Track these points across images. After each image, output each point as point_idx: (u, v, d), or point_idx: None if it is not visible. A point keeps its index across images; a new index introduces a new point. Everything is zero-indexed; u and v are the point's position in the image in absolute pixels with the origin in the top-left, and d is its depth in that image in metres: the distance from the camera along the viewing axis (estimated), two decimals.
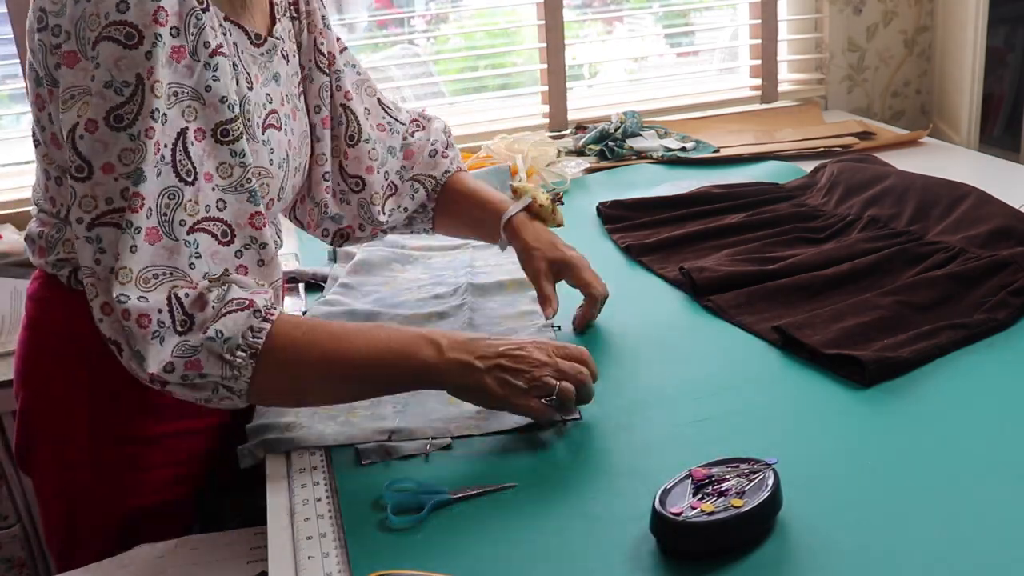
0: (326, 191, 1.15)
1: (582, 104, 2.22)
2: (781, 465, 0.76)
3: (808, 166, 1.67)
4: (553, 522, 0.78)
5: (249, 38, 0.99)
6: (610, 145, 1.92)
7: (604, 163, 1.88)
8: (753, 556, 0.71)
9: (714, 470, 0.76)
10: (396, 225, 1.23)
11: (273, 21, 1.05)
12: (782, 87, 2.31)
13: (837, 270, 1.20)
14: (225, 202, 0.89)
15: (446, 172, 1.22)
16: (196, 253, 0.86)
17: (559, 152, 1.83)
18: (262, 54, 1.01)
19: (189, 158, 0.86)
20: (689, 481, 0.75)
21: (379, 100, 1.22)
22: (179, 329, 0.84)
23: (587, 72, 2.37)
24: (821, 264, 1.22)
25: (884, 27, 2.30)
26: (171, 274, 0.85)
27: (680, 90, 2.34)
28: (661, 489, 0.74)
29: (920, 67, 2.35)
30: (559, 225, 1.19)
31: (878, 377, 0.96)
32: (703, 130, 2.08)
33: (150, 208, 0.84)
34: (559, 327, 1.14)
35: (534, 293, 1.14)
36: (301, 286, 1.35)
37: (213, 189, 0.88)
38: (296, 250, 1.49)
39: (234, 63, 0.94)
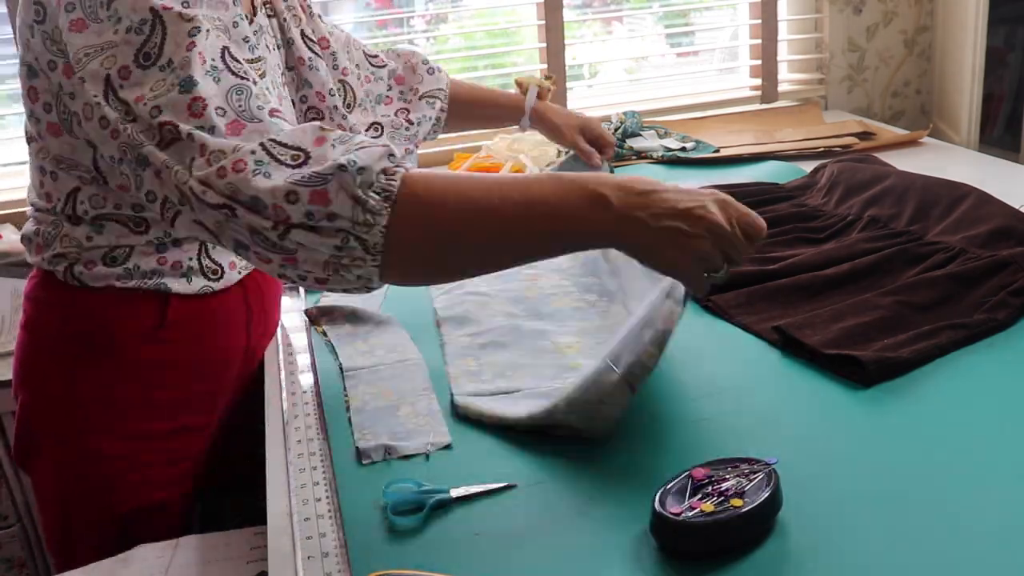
0: None
1: (582, 104, 2.22)
2: (781, 465, 0.76)
3: (808, 166, 1.67)
4: (553, 522, 0.78)
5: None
6: None
7: None
8: (753, 556, 0.71)
9: (714, 470, 0.76)
10: (424, 137, 1.38)
11: (255, 11, 1.07)
12: (782, 87, 2.31)
13: (837, 270, 1.20)
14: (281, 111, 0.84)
15: (448, 83, 1.40)
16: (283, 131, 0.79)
17: (559, 152, 1.83)
18: (254, 32, 1.02)
19: (241, 64, 0.83)
20: (689, 481, 0.75)
21: (364, 53, 1.33)
22: (290, 162, 0.75)
23: (587, 72, 2.37)
24: (821, 264, 1.22)
25: (884, 27, 2.30)
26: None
27: (680, 90, 2.34)
28: (661, 489, 0.74)
29: (920, 67, 2.35)
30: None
31: (878, 377, 0.96)
32: (703, 130, 2.08)
33: (219, 108, 0.79)
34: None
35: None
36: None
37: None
38: None
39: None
